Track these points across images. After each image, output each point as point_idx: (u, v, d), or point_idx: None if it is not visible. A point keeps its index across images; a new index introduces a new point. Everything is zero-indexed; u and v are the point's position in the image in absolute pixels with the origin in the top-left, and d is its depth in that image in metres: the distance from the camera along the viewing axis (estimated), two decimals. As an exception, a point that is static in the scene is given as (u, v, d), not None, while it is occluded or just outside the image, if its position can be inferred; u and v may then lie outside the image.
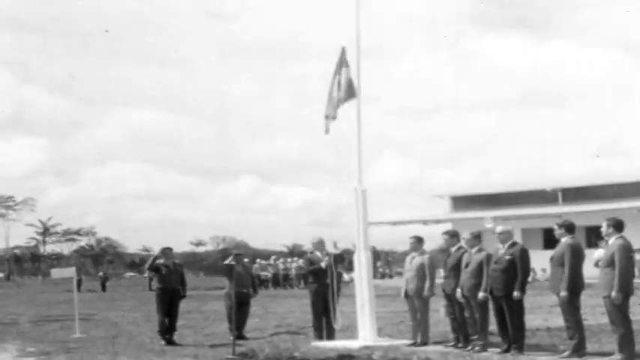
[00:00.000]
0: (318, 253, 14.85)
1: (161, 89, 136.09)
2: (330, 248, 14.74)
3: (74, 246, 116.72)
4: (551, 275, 11.65)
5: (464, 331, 12.68)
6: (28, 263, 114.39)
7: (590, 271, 11.92)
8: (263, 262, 49.92)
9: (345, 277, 31.96)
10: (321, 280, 14.56)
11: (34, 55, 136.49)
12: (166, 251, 15.92)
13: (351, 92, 14.34)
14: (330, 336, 14.41)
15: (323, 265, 14.58)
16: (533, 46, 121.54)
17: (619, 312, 10.53)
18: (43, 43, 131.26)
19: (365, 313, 13.96)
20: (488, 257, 12.17)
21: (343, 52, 14.51)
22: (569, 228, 11.41)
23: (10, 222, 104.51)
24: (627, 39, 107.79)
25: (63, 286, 42.27)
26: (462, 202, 55.44)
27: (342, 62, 14.45)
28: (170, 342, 15.13)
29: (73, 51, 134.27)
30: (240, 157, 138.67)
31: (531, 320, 14.90)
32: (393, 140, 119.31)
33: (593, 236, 36.01)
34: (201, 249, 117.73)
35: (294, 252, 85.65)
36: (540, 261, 19.83)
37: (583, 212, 41.89)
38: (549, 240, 34.02)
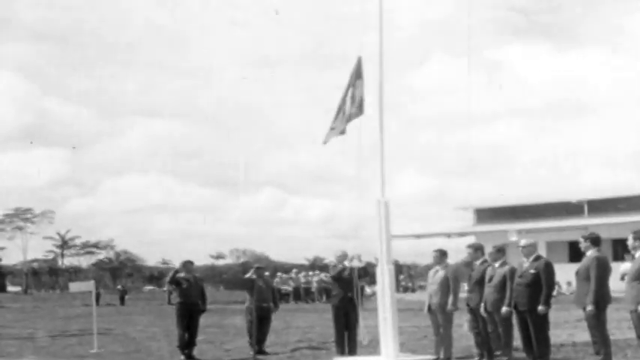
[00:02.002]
0: (342, 267, 14.68)
1: (182, 100, 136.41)
2: (354, 262, 14.52)
3: (92, 259, 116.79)
4: (576, 289, 11.42)
5: (487, 347, 12.48)
6: (46, 277, 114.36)
7: (616, 285, 11.70)
8: (284, 275, 49.84)
9: (368, 290, 31.84)
10: (344, 293, 14.36)
11: (55, 66, 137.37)
12: (187, 265, 15.79)
13: (361, 109, 14.00)
14: (352, 351, 14.20)
15: (347, 264, 14.34)
16: (558, 55, 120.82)
17: (647, 326, 10.30)
18: (63, 54, 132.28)
19: (387, 327, 13.73)
20: (512, 271, 11.96)
21: (359, 62, 14.13)
22: (595, 241, 11.17)
23: (28, 235, 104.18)
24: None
25: (81, 299, 42.27)
26: (486, 214, 55.16)
27: (358, 73, 14.06)
28: (190, 357, 15.00)
29: (94, 61, 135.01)
30: (261, 169, 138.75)
31: (556, 335, 14.69)
32: (415, 151, 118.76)
33: (620, 249, 35.71)
34: (221, 262, 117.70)
35: (316, 265, 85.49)
36: (566, 274, 19.61)
37: (609, 224, 41.59)
38: (575, 253, 33.64)
